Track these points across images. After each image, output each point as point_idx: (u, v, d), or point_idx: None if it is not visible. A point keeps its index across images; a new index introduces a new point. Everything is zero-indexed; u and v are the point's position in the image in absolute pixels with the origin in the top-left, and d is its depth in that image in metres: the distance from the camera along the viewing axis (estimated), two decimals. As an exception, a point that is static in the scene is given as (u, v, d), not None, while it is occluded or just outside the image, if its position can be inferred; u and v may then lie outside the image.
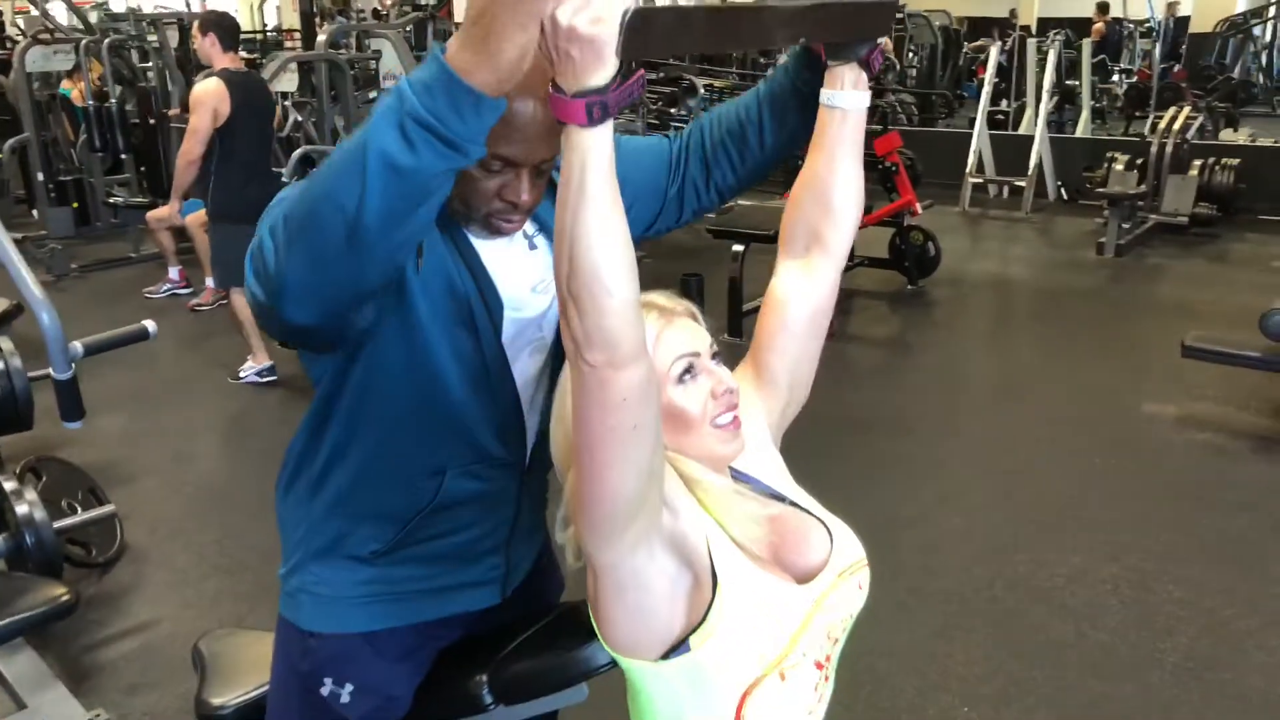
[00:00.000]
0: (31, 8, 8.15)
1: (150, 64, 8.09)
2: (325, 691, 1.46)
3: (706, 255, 6.27)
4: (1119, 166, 7.61)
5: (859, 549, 1.29)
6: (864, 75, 1.28)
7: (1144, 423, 4.34)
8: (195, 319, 6.08)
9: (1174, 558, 3.24)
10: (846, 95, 1.29)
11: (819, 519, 1.30)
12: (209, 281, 6.07)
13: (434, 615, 1.49)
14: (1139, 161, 7.58)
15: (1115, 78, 13.30)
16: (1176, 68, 13.11)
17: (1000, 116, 10.11)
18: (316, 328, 1.19)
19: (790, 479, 1.36)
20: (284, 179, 5.50)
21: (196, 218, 5.71)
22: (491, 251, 1.34)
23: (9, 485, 2.87)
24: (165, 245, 6.43)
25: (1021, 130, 9.42)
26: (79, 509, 3.30)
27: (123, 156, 7.56)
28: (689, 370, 1.20)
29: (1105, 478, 3.84)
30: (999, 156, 8.80)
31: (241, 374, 4.96)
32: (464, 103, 0.96)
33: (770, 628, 1.17)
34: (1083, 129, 9.68)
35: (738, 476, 1.31)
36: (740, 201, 6.62)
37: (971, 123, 8.84)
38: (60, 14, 8.44)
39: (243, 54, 5.27)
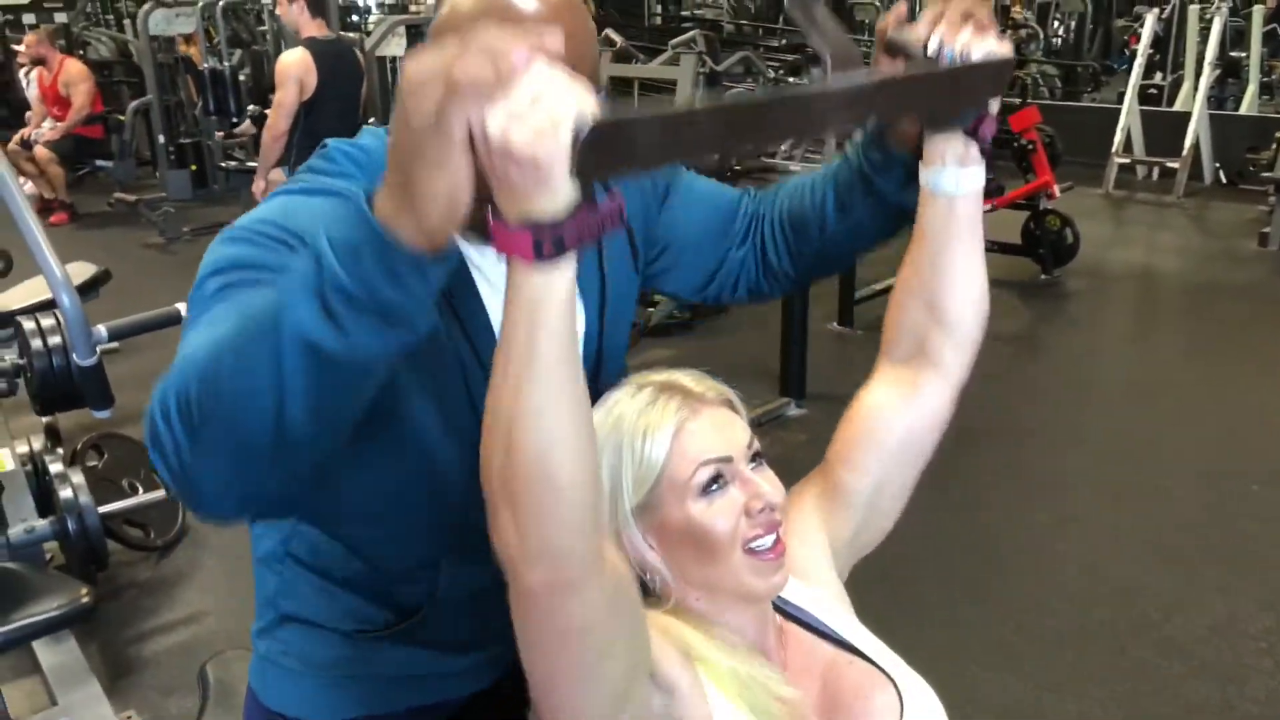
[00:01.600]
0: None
1: (266, 28, 8.09)
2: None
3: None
4: (1291, 148, 6.88)
5: (935, 703, 0.99)
6: (973, 148, 0.97)
7: (1309, 445, 3.82)
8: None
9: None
10: (949, 174, 0.98)
11: (886, 674, 1.00)
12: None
13: (419, 703, 1.23)
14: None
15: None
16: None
17: (1153, 91, 9.33)
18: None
19: (855, 620, 1.06)
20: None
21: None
22: (482, 260, 1.06)
23: (55, 468, 2.75)
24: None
25: (1177, 106, 8.65)
26: (140, 489, 3.19)
27: (234, 121, 7.55)
28: (717, 480, 0.92)
29: (1261, 508, 3.35)
30: (1150, 135, 8.10)
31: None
32: (400, 267, 0.72)
33: None
34: (1248, 105, 8.83)
35: (784, 610, 1.03)
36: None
37: (1120, 97, 8.15)
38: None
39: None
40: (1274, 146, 7.00)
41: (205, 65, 7.43)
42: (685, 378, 0.98)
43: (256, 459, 0.80)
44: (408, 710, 1.23)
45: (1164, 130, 8.04)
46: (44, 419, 3.22)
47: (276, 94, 4.49)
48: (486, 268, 1.05)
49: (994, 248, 5.81)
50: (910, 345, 1.08)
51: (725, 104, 0.75)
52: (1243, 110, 8.85)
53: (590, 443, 0.75)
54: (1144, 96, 8.54)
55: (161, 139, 8.02)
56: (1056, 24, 12.64)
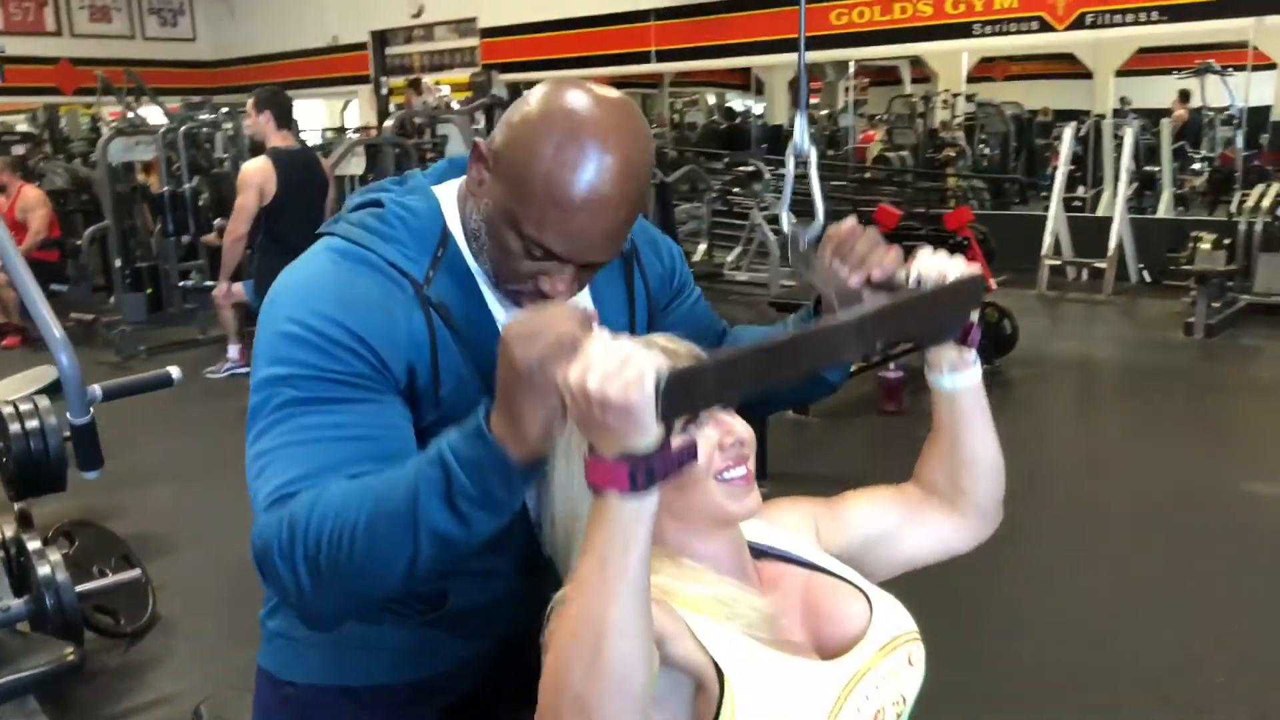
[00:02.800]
0: (128, 111, 8.46)
1: (226, 154, 8.29)
2: (309, 742, 1.27)
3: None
4: (1205, 245, 7.27)
5: (908, 621, 1.10)
6: (967, 353, 1.12)
7: (1249, 503, 3.98)
8: (254, 397, 6.04)
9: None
10: (947, 377, 1.14)
11: (858, 587, 1.11)
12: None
13: (419, 677, 1.29)
14: (1227, 241, 7.26)
15: (1197, 165, 12.97)
16: (1262, 151, 12.75)
17: (1077, 203, 9.86)
18: None
19: (829, 558, 1.16)
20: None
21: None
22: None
23: (33, 545, 2.76)
24: (228, 323, 6.45)
25: (1100, 212, 9.14)
26: (110, 575, 3.17)
27: (199, 240, 7.68)
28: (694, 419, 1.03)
29: (1208, 560, 3.49)
30: (1077, 239, 8.53)
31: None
32: (511, 478, 0.95)
33: (797, 711, 0.97)
34: (1164, 210, 9.37)
35: (760, 552, 1.13)
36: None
37: (1047, 208, 8.61)
38: (154, 115, 8.78)
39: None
40: (1190, 245, 7.42)
41: (164, 189, 7.57)
42: (660, 338, 1.10)
43: (367, 596, 1.03)
44: (409, 684, 1.29)
45: (1089, 234, 8.48)
46: (16, 505, 3.21)
47: (238, 199, 4.65)
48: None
49: (938, 340, 6.07)
50: (930, 490, 1.21)
51: (765, 345, 0.91)
52: (1160, 214, 9.37)
53: (653, 644, 0.85)
54: (1068, 207, 9.01)
55: (118, 263, 8.09)
56: (982, 144, 13.34)
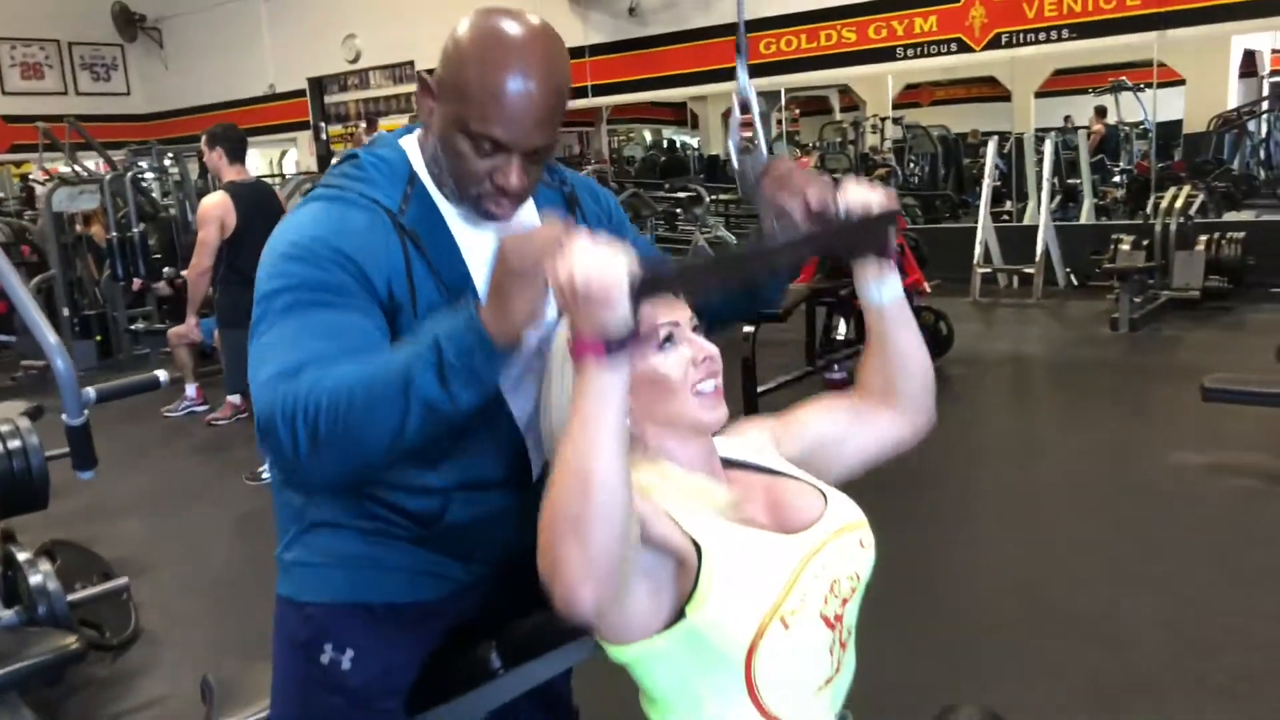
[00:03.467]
0: (61, 166, 8.52)
1: (171, 199, 8.37)
2: (325, 659, 1.42)
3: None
4: (1125, 247, 7.66)
5: (858, 512, 1.29)
6: (886, 268, 1.31)
7: (1171, 472, 4.25)
8: (213, 432, 6.09)
9: (1214, 588, 3.13)
10: (873, 288, 1.33)
11: (814, 486, 1.30)
12: (230, 397, 6.13)
13: (423, 598, 1.46)
14: (1145, 242, 7.65)
15: (1116, 177, 13.53)
16: (1175, 160, 13.34)
17: (1005, 215, 10.27)
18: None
19: (787, 464, 1.35)
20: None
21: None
22: (470, 239, 1.36)
23: (23, 556, 2.85)
24: (184, 362, 6.51)
25: (1026, 221, 9.55)
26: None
27: (151, 286, 7.72)
28: (670, 338, 1.22)
29: (1135, 523, 3.73)
30: (1006, 248, 8.90)
31: (263, 474, 4.95)
32: (494, 356, 1.15)
33: (761, 577, 1.15)
34: (1086, 217, 9.81)
35: (730, 463, 1.31)
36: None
37: (977, 220, 8.97)
38: (90, 165, 8.83)
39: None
40: (1112, 247, 7.80)
41: (110, 235, 7.62)
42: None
43: (363, 465, 1.19)
44: (417, 604, 1.46)
45: (1017, 242, 8.85)
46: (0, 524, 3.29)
47: (199, 234, 4.75)
48: (475, 247, 1.35)
49: (878, 344, 6.32)
50: (871, 395, 1.39)
51: (719, 257, 1.16)
52: (1082, 221, 9.79)
53: (631, 488, 1.02)
54: (997, 218, 9.39)
55: (65, 311, 8.09)
56: (911, 164, 13.79)
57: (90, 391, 2.31)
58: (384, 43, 12.74)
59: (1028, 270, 8.57)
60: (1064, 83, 13.40)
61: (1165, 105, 12.31)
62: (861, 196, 1.29)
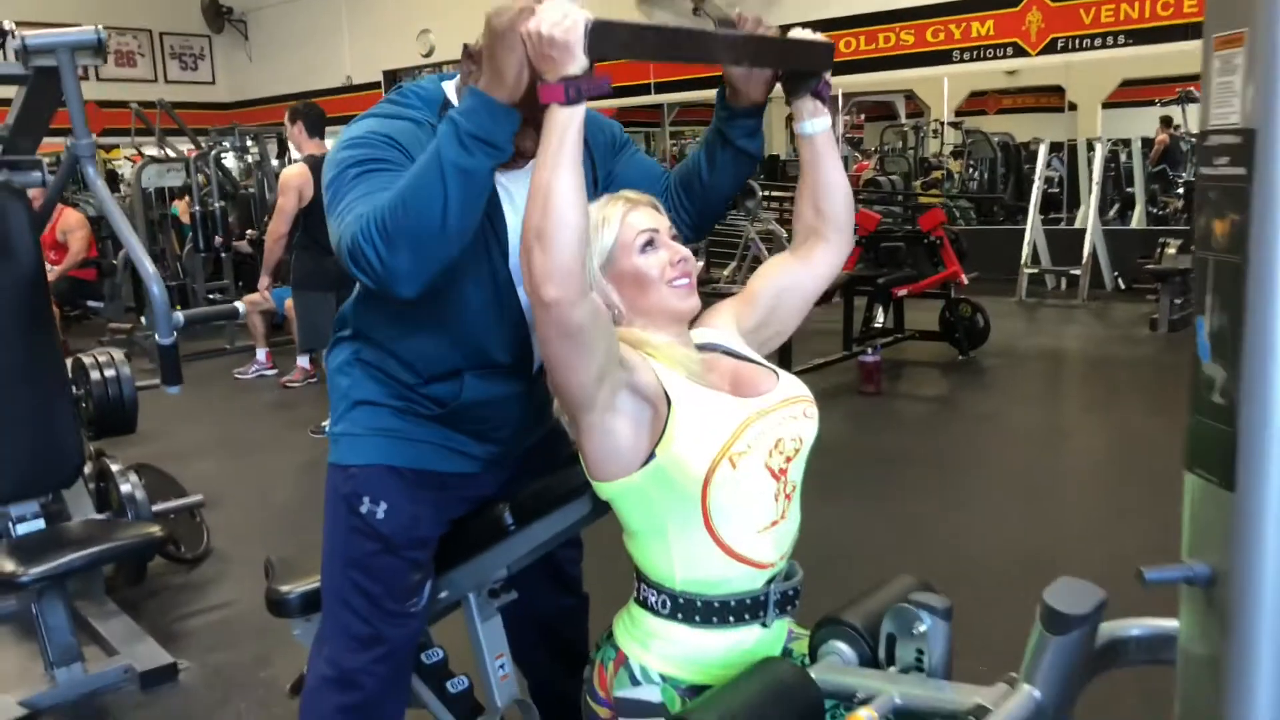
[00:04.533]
0: (150, 149, 9.04)
1: (251, 179, 8.84)
2: (364, 509, 1.73)
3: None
4: (1171, 250, 7.76)
5: (806, 390, 1.56)
6: (819, 104, 1.59)
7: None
8: (283, 393, 6.51)
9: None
10: (807, 123, 1.60)
11: (772, 370, 1.57)
12: (300, 361, 6.53)
13: (443, 469, 1.77)
14: (1192, 246, 7.72)
15: (1180, 189, 13.47)
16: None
17: (1059, 221, 10.38)
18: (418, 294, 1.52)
19: (752, 351, 1.63)
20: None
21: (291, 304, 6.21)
22: (508, 183, 1.63)
23: (116, 468, 3.22)
24: (256, 328, 6.93)
25: (1077, 225, 9.64)
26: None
27: (222, 256, 8.18)
28: (650, 243, 1.50)
29: (1141, 510, 3.89)
30: (1055, 251, 9.01)
31: (326, 428, 5.32)
32: (498, 115, 1.39)
33: (716, 424, 1.43)
34: (1138, 221, 9.87)
35: (703, 347, 1.59)
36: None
37: (1030, 221, 9.13)
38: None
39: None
40: (1158, 250, 7.89)
41: (194, 209, 8.10)
42: (628, 191, 1.57)
43: (428, 248, 1.42)
44: (441, 473, 1.77)
45: (1067, 245, 8.96)
46: (93, 444, 3.67)
47: (279, 202, 5.12)
48: (514, 191, 1.63)
49: (915, 335, 6.54)
50: (806, 232, 1.66)
51: (668, 28, 1.40)
52: (1133, 225, 9.85)
53: (585, 205, 1.31)
54: (1049, 222, 9.51)
55: (149, 282, 8.60)
56: (971, 169, 13.88)
57: (179, 315, 2.67)
58: (457, 38, 13.14)
59: (1074, 272, 8.69)
60: (1134, 94, 13.39)
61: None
62: (801, 32, 1.58)
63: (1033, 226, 8.88)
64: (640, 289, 1.50)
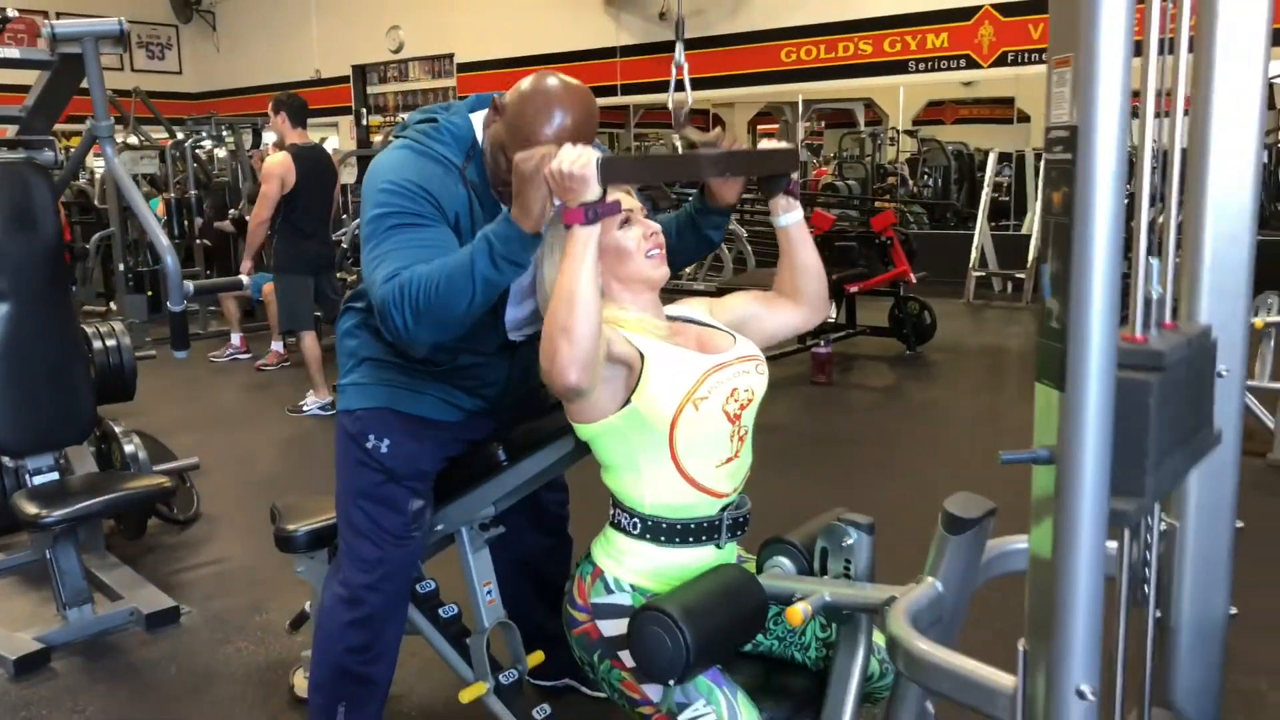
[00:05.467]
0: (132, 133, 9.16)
1: (224, 168, 9.00)
2: (369, 445, 2.02)
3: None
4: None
5: (759, 352, 1.87)
6: (791, 200, 1.89)
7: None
8: (257, 374, 6.72)
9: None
10: (783, 217, 1.90)
11: (731, 334, 1.87)
12: (274, 345, 6.74)
13: (438, 417, 2.06)
14: (1128, 254, 8.16)
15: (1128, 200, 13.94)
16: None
17: (1008, 227, 10.80)
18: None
19: (715, 320, 1.92)
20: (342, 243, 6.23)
21: (270, 288, 6.41)
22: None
23: (119, 429, 3.44)
24: (231, 313, 7.13)
25: (1024, 230, 10.06)
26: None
27: (197, 242, 8.35)
28: (628, 220, 1.80)
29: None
30: (1002, 255, 9.42)
31: (304, 407, 5.55)
32: (526, 242, 1.71)
33: (682, 374, 1.73)
34: (1081, 231, 10.28)
35: (673, 317, 1.87)
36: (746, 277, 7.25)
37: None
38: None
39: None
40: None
41: (169, 196, 8.26)
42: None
43: (447, 327, 1.75)
44: (436, 421, 2.06)
45: (1014, 250, 9.37)
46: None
47: (262, 188, 5.34)
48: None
49: (865, 330, 6.88)
50: (783, 291, 1.95)
51: (662, 156, 1.74)
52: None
53: (600, 306, 1.60)
54: (998, 229, 9.91)
55: (121, 267, 8.73)
56: (925, 176, 14.32)
57: (189, 284, 2.91)
58: (426, 35, 13.38)
59: (1019, 275, 9.09)
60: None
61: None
62: (769, 143, 1.88)
63: (981, 232, 9.28)
64: (620, 259, 1.79)
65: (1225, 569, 1.37)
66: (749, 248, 9.32)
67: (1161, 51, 1.21)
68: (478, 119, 1.96)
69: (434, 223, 1.82)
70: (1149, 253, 1.20)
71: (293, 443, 5.20)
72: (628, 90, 11.89)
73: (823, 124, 16.14)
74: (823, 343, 6.07)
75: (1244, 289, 1.34)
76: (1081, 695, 1.11)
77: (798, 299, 1.94)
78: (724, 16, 11.00)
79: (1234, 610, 1.38)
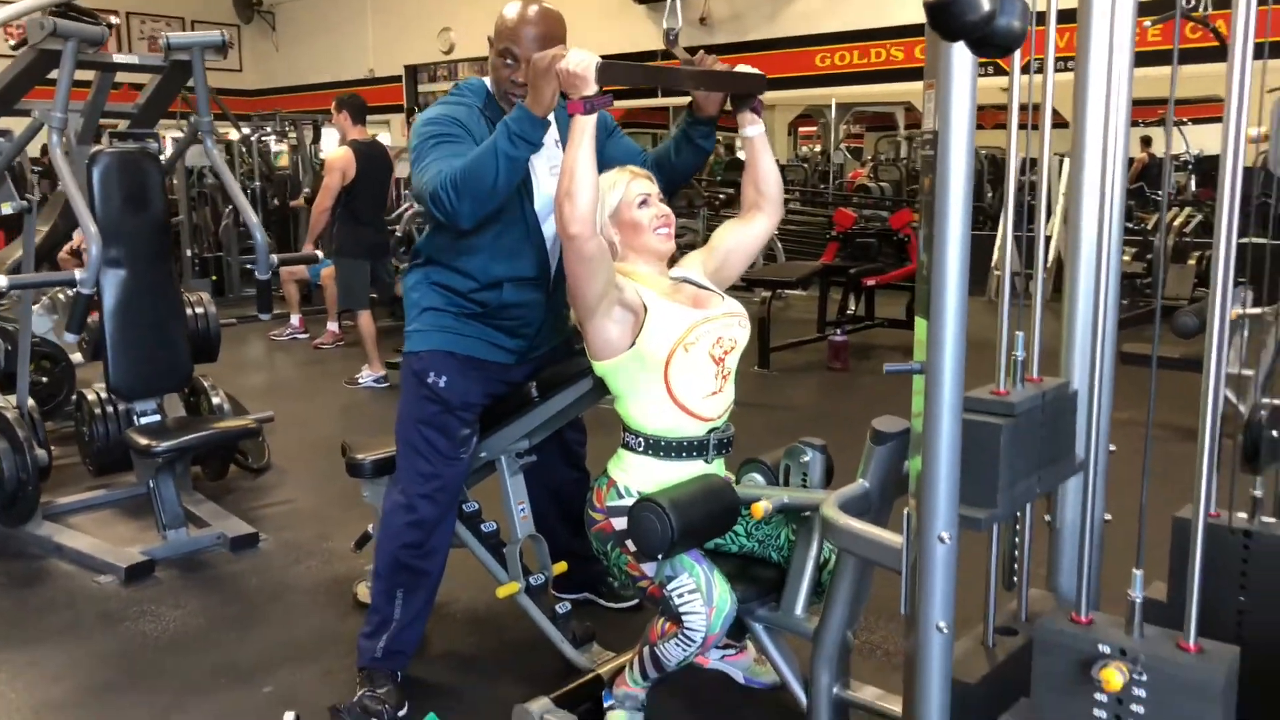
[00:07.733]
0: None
1: (287, 163, 9.59)
2: (430, 380, 2.50)
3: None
4: (1126, 256, 8.52)
5: (743, 309, 2.32)
6: (756, 115, 2.36)
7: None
8: (315, 352, 7.26)
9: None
10: (748, 128, 2.36)
11: (720, 295, 2.32)
12: (331, 325, 7.28)
13: (485, 357, 2.53)
14: (1148, 257, 8.50)
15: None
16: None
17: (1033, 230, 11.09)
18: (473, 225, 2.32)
19: (711, 283, 2.37)
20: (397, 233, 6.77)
21: (329, 273, 6.92)
22: (533, 158, 2.34)
23: (207, 383, 3.97)
24: (291, 295, 7.68)
25: (1046, 232, 10.37)
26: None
27: (289, 207, 8.94)
28: (644, 201, 2.26)
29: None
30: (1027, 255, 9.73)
31: (360, 379, 6.07)
32: (537, 123, 2.15)
33: (676, 322, 2.18)
34: (1105, 235, 10.58)
35: (676, 278, 2.33)
36: (769, 262, 7.68)
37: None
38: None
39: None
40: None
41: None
42: (632, 167, 2.32)
43: (482, 200, 2.22)
44: (483, 360, 2.53)
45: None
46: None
47: (325, 179, 5.87)
48: (535, 162, 2.38)
49: (884, 323, 7.28)
50: (749, 205, 2.42)
51: (650, 66, 2.21)
52: (1100, 237, 10.56)
53: (596, 176, 2.06)
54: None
55: (189, 253, 9.35)
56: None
57: (274, 257, 3.41)
58: (476, 37, 13.84)
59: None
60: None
61: (1210, 140, 12.98)
62: (743, 66, 2.36)
63: (1003, 232, 9.61)
64: (635, 232, 2.25)
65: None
66: (780, 245, 9.75)
67: (1026, 71, 1.68)
68: (488, 80, 2.48)
69: (465, 139, 2.32)
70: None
71: (350, 410, 5.72)
72: (668, 92, 12.34)
73: (863, 127, 16.51)
74: (839, 331, 6.48)
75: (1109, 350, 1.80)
76: (942, 540, 1.56)
77: (762, 203, 2.38)
78: (761, 21, 11.43)
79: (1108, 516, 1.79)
